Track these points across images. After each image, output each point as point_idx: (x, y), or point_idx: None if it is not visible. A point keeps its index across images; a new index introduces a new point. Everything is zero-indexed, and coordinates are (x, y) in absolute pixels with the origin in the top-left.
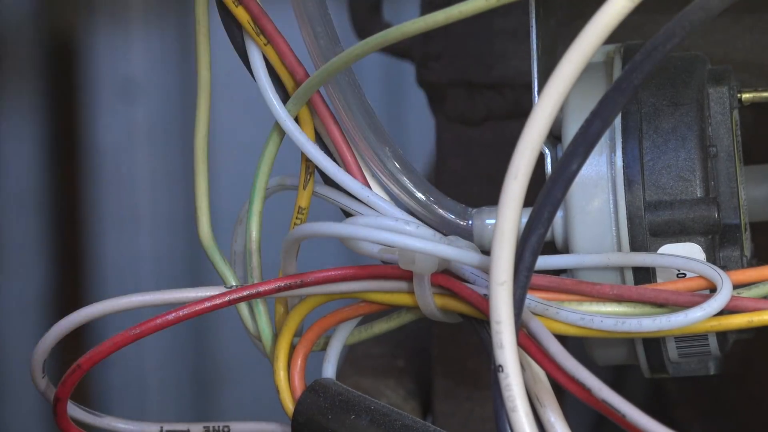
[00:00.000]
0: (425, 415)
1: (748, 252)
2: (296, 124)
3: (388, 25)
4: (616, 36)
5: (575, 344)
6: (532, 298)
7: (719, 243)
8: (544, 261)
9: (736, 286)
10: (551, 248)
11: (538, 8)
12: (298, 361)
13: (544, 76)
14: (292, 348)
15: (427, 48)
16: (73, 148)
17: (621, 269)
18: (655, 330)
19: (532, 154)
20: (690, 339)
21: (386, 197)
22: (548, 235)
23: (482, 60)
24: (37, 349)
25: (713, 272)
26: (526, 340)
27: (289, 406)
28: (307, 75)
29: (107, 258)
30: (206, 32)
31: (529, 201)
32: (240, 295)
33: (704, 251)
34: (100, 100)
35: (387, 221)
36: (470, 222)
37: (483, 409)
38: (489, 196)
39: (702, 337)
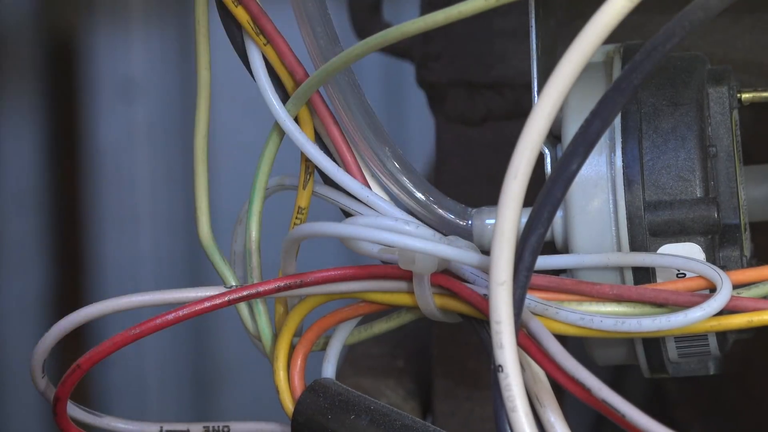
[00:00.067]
0: (425, 415)
1: (747, 252)
2: (296, 124)
3: (388, 25)
4: (616, 36)
5: (575, 344)
6: (532, 298)
7: (719, 243)
8: (544, 261)
9: (735, 286)
10: (551, 248)
11: (537, 8)
12: (298, 361)
13: (544, 76)
14: (292, 348)
15: (427, 48)
16: (73, 148)
17: (621, 269)
18: (654, 330)
19: (531, 154)
20: (690, 339)
21: (386, 197)
22: (548, 235)
23: (482, 60)
24: (37, 349)
25: (713, 272)
26: (526, 340)
27: (289, 406)
28: (306, 75)
29: (107, 258)
30: (206, 32)
31: (529, 201)
32: (240, 295)
33: (704, 251)
34: (100, 100)
35: (387, 221)
36: (470, 222)
37: (483, 409)
38: (489, 196)
39: (702, 337)
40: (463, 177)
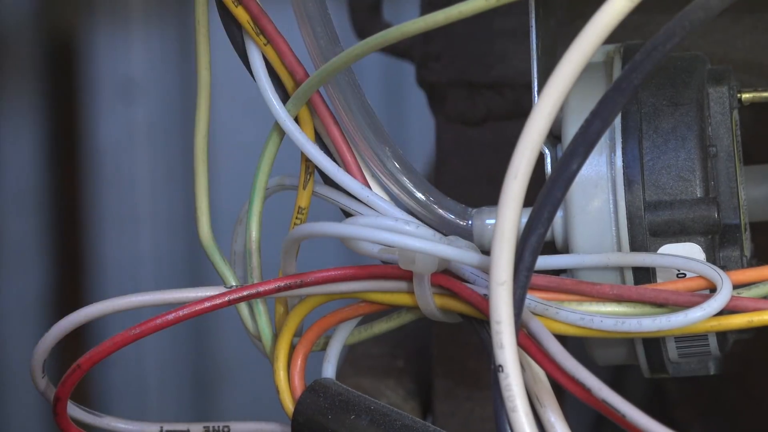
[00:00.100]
0: (425, 415)
1: (748, 252)
2: (296, 124)
3: (388, 25)
4: (616, 36)
5: (575, 344)
6: (532, 298)
7: (719, 243)
8: (544, 261)
9: (736, 286)
10: (551, 248)
11: (538, 8)
12: (298, 361)
13: (544, 76)
14: (292, 348)
15: (427, 48)
16: (73, 148)
17: (621, 269)
18: (654, 330)
19: (532, 154)
20: (690, 339)
21: (386, 197)
22: (548, 235)
23: (482, 60)
24: (37, 349)
25: (713, 272)
26: (526, 340)
27: (289, 406)
28: (306, 75)
29: (107, 258)
30: (206, 32)
31: (529, 201)
32: (240, 295)
33: (704, 251)
34: (100, 100)
35: (387, 221)
36: (470, 222)
37: (483, 409)
38: (489, 196)
39: (702, 337)
40: (463, 177)
